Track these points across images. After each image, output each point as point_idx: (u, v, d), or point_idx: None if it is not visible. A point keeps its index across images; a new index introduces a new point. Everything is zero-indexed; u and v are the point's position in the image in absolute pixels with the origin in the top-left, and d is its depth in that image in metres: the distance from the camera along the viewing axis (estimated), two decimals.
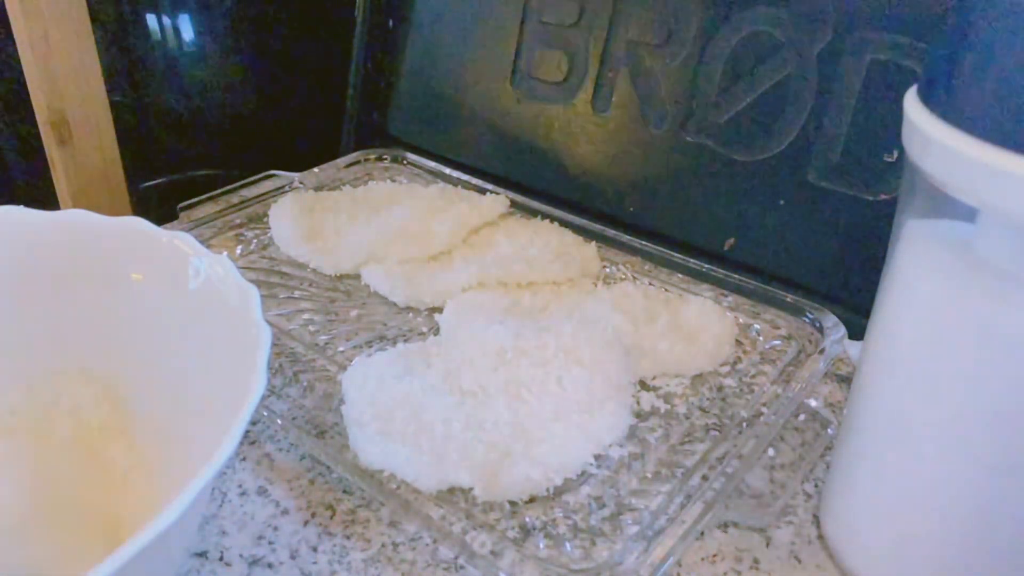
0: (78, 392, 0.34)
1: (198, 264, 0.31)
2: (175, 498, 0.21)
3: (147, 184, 0.60)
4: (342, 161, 0.61)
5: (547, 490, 0.34)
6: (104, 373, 0.34)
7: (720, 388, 0.41)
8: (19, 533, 0.30)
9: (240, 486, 0.35)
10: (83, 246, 0.34)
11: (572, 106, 0.55)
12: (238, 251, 0.51)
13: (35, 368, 0.34)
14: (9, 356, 0.34)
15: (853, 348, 0.42)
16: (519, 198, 0.54)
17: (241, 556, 0.32)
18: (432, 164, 0.60)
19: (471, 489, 0.34)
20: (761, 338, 0.44)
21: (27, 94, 0.52)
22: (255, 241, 0.52)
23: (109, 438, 0.34)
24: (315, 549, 0.32)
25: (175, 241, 0.32)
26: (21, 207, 0.34)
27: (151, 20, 0.57)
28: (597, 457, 0.36)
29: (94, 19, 0.52)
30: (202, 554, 0.32)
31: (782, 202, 0.47)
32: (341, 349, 0.43)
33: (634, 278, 0.49)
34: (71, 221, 0.34)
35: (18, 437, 0.33)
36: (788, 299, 0.45)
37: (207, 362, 0.30)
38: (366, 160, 0.62)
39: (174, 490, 0.21)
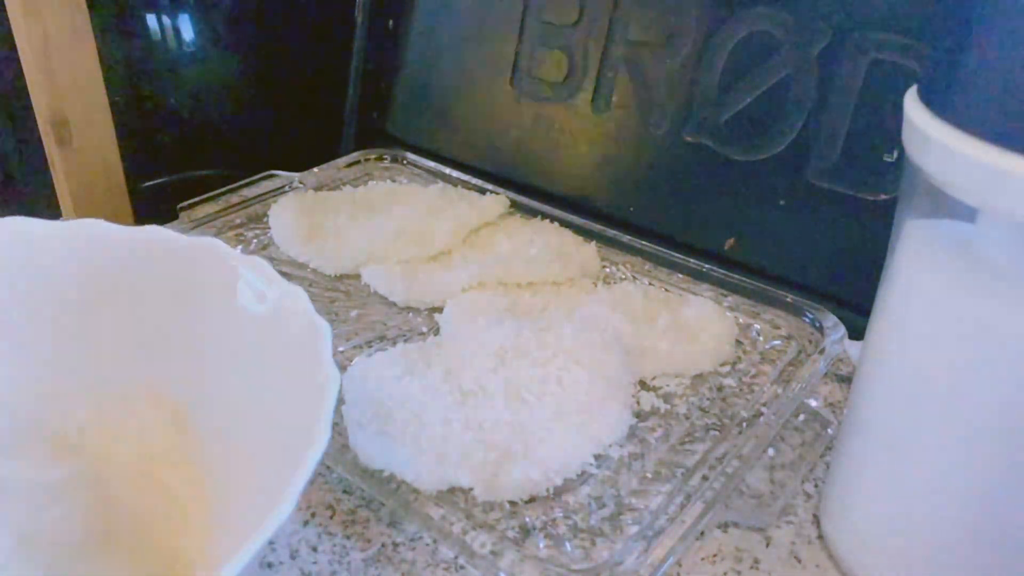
0: (146, 415, 0.33)
1: (271, 293, 0.30)
2: (233, 555, 0.20)
3: (147, 184, 0.60)
4: (342, 161, 0.61)
5: (547, 490, 0.34)
6: (173, 398, 0.33)
7: (720, 388, 0.41)
8: (76, 557, 0.29)
9: None
10: (158, 264, 0.33)
11: (572, 106, 0.55)
12: (238, 251, 0.51)
13: (105, 388, 0.33)
14: (80, 374, 0.33)
15: (853, 348, 0.42)
16: (519, 198, 0.54)
17: None
18: (432, 164, 0.60)
19: (471, 489, 0.34)
20: (761, 338, 0.44)
21: (27, 94, 0.52)
22: (255, 241, 0.52)
23: (172, 465, 0.33)
24: (315, 549, 0.32)
25: (251, 266, 0.31)
26: (100, 221, 0.33)
27: (151, 20, 0.57)
28: (597, 457, 0.35)
29: (94, 20, 0.52)
30: None
31: (782, 202, 0.47)
32: (341, 349, 0.43)
33: (634, 278, 0.49)
34: (147, 238, 0.33)
35: (84, 457, 0.32)
36: (788, 299, 0.45)
37: (272, 395, 0.29)
38: (366, 160, 0.62)
39: (231, 524, 0.21)
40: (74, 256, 0.33)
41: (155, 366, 0.33)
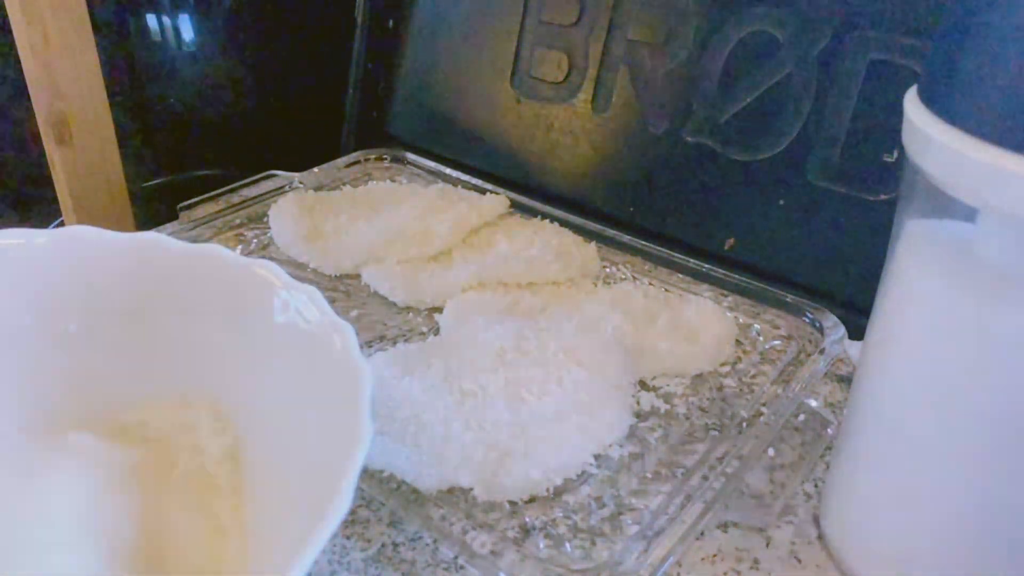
0: (203, 429, 0.33)
1: (317, 322, 0.29)
2: None
3: (147, 184, 0.60)
4: (342, 161, 0.61)
5: (547, 490, 0.34)
6: (231, 415, 0.32)
7: (720, 388, 0.41)
8: (125, 553, 0.29)
9: None
10: (210, 281, 0.32)
11: (572, 106, 0.55)
12: (238, 251, 0.51)
13: (163, 396, 0.33)
14: (139, 381, 0.33)
15: (853, 348, 0.42)
16: (519, 198, 0.54)
17: None
18: (432, 164, 0.60)
19: (471, 489, 0.34)
20: (761, 338, 0.44)
21: (27, 94, 0.52)
22: (255, 241, 0.52)
23: (221, 486, 0.32)
24: None
25: (302, 293, 0.30)
26: (159, 235, 0.33)
27: (151, 20, 0.57)
28: (597, 457, 0.35)
29: (94, 19, 0.52)
30: None
31: (782, 202, 0.47)
32: None
33: (634, 278, 0.49)
34: (201, 254, 0.33)
35: (144, 449, 0.32)
36: (788, 299, 0.45)
37: (308, 438, 0.28)
38: (366, 160, 0.62)
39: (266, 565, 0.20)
40: (130, 267, 0.33)
41: (212, 384, 0.33)
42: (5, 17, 0.50)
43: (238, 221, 0.53)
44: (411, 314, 0.46)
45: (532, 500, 0.34)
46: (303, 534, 0.21)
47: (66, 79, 0.52)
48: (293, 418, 0.29)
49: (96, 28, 0.52)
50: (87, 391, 0.33)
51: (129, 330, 0.33)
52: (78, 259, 0.33)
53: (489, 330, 0.39)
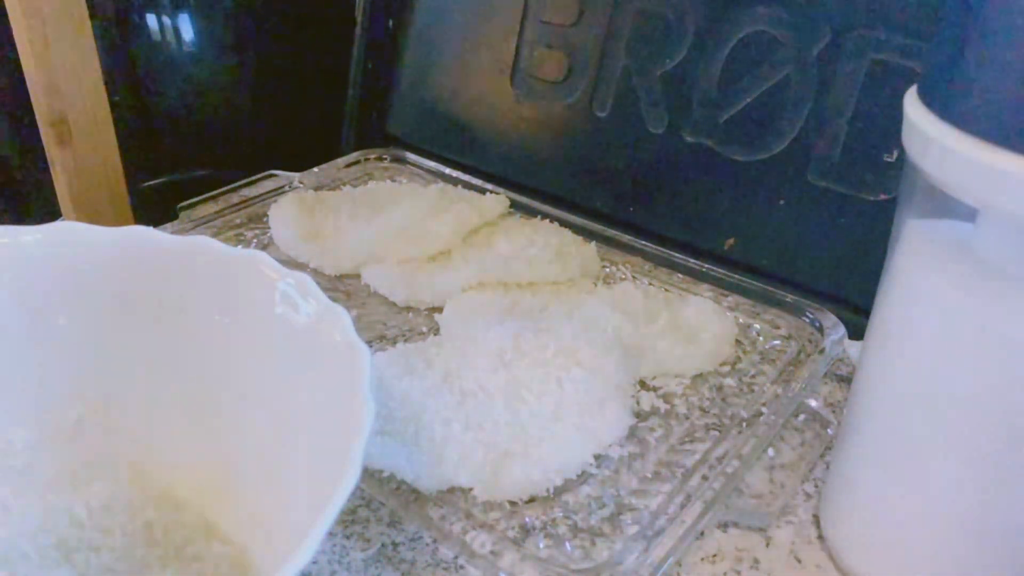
0: (190, 429, 0.33)
1: (311, 310, 0.30)
2: None
3: (147, 184, 0.60)
4: (342, 161, 0.61)
5: (547, 490, 0.34)
6: (227, 406, 0.32)
7: (720, 388, 0.41)
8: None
9: None
10: (200, 274, 0.32)
11: (572, 106, 0.55)
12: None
13: (163, 385, 0.33)
14: (134, 369, 0.33)
15: (853, 348, 0.42)
16: (519, 198, 0.54)
17: None
18: (432, 164, 0.60)
19: (471, 489, 0.34)
20: (761, 338, 0.44)
21: (27, 94, 0.52)
22: (255, 241, 0.52)
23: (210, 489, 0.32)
24: None
25: (294, 275, 0.31)
26: (148, 228, 0.33)
27: (151, 20, 0.57)
28: (597, 457, 0.35)
29: (94, 19, 0.52)
30: None
31: (782, 202, 0.47)
32: None
33: (634, 278, 0.49)
34: (192, 246, 0.33)
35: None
36: (788, 299, 0.45)
37: (305, 420, 0.28)
38: (366, 160, 0.62)
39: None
40: (119, 261, 0.33)
41: (206, 376, 0.33)
42: (5, 17, 0.50)
43: (238, 221, 0.53)
44: (411, 314, 0.46)
45: (532, 500, 0.34)
46: (309, 518, 0.21)
47: (66, 79, 0.52)
48: (292, 405, 0.29)
49: (96, 28, 0.52)
50: (78, 384, 0.33)
51: (120, 324, 0.33)
52: (66, 254, 0.33)
53: (489, 330, 0.39)
